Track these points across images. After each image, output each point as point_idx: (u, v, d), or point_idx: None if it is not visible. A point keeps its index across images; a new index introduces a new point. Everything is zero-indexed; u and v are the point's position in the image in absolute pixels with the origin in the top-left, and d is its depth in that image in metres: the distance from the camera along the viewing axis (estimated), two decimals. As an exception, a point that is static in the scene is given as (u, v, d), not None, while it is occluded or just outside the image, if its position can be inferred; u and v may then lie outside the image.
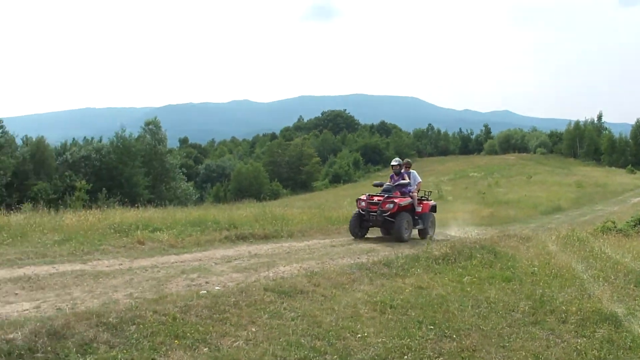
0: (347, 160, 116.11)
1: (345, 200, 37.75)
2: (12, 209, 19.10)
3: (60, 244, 12.91)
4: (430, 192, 20.42)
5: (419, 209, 17.70)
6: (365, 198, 17.04)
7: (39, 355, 5.65)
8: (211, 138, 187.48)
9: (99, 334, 6.19)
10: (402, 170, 17.70)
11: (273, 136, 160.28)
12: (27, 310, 7.40)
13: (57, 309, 7.40)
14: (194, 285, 9.20)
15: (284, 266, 11.17)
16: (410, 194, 17.33)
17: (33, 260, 11.15)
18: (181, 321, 6.82)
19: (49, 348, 5.77)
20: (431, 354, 6.52)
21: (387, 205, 16.37)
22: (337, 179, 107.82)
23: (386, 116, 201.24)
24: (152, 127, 75.90)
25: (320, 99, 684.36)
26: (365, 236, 17.05)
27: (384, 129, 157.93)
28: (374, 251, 13.76)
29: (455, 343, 6.89)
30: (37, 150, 65.20)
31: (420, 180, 18.45)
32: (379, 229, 17.78)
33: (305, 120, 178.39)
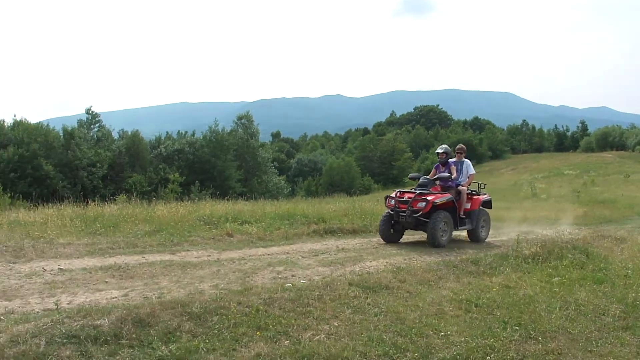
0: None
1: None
2: (106, 200, 19.64)
3: (150, 234, 13.23)
4: (485, 184, 16.74)
5: (467, 206, 14.77)
6: (394, 196, 14.42)
7: (123, 341, 5.77)
8: (303, 132, 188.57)
9: (183, 324, 6.28)
10: (453, 160, 15.21)
11: (365, 131, 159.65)
12: (115, 297, 7.62)
13: (144, 297, 7.59)
14: (279, 278, 9.26)
15: (371, 261, 11.06)
16: (459, 187, 14.62)
17: (124, 250, 11.47)
18: (264, 313, 6.85)
19: (134, 335, 5.90)
20: (515, 355, 6.31)
21: (418, 204, 13.64)
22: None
23: (480, 112, 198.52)
24: (245, 121, 76.88)
25: (412, 94, 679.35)
26: (400, 240, 14.52)
27: (477, 124, 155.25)
28: (462, 248, 13.41)
29: (540, 345, 6.64)
30: (133, 143, 66.75)
31: (474, 172, 15.36)
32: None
33: (397, 116, 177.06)
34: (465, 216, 14.71)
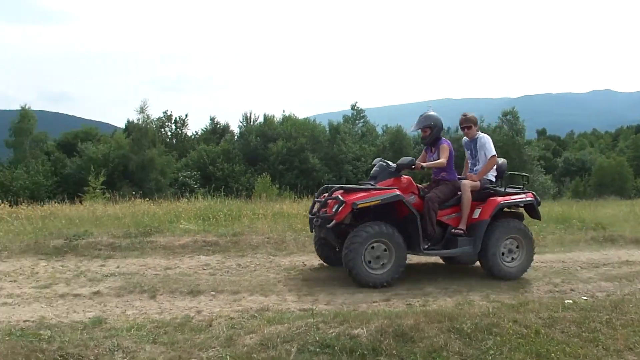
0: None
1: None
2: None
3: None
4: (528, 177, 10.40)
5: (475, 215, 8.62)
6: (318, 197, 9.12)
7: (382, 358, 5.07)
8: (570, 130, 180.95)
9: (450, 342, 5.41)
10: (465, 139, 9.62)
11: (638, 129, 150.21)
12: (376, 302, 7.15)
13: (407, 304, 7.02)
14: (557, 291, 8.18)
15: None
16: (464, 180, 8.87)
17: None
18: (545, 337, 5.75)
19: (394, 351, 5.17)
20: None
21: (333, 208, 8.05)
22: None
23: None
24: (510, 117, 75.33)
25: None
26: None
27: None
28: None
29: None
30: (396, 138, 68.10)
31: (495, 152, 9.02)
32: None
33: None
34: (465, 231, 8.60)
